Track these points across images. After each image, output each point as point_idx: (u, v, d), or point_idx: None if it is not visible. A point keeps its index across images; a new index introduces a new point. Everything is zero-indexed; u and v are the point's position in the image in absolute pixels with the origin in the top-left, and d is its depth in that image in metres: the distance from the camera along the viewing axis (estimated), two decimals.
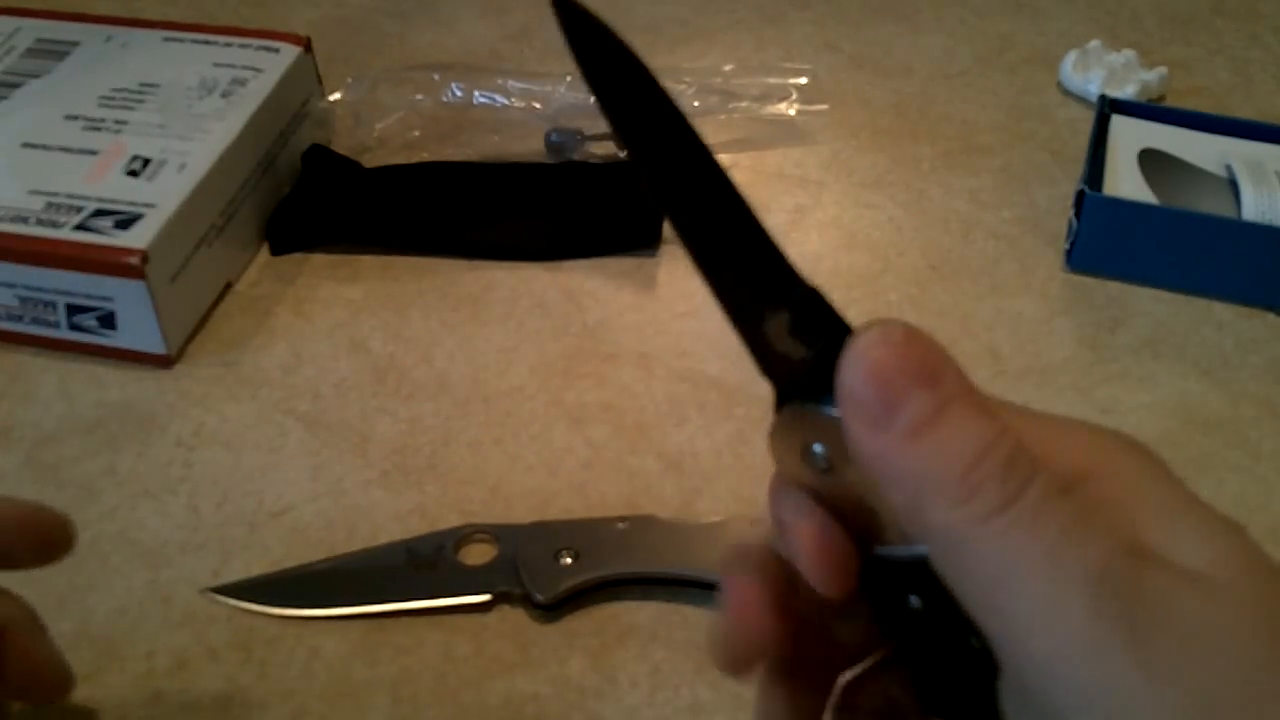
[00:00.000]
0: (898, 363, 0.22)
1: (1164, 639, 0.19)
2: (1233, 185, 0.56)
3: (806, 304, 0.24)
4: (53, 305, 0.50)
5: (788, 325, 0.24)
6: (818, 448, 0.24)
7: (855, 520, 0.24)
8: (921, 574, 0.23)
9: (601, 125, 0.60)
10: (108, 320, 0.49)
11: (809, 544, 0.24)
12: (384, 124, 0.61)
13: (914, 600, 0.24)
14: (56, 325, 0.50)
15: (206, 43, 0.59)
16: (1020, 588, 0.20)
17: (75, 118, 0.54)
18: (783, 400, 0.24)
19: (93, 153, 0.52)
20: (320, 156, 0.59)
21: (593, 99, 0.24)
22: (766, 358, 0.24)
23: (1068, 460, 0.22)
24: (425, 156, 0.61)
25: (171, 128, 0.54)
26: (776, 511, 0.25)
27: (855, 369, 0.22)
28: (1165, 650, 0.19)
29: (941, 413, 0.22)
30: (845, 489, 0.24)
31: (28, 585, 0.36)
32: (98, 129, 0.54)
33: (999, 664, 0.22)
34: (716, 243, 0.24)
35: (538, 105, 0.60)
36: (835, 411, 0.23)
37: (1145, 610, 0.20)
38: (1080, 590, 0.20)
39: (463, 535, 0.44)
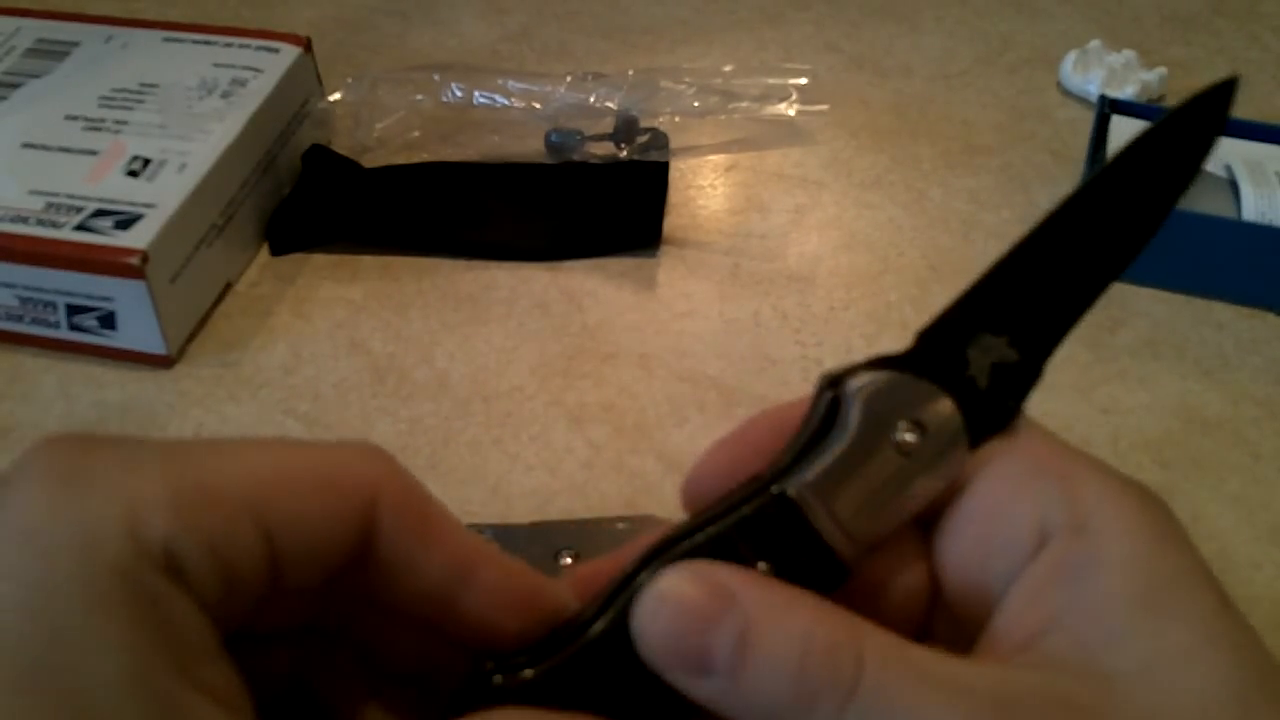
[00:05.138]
0: (687, 613, 0.21)
1: None
2: (1233, 185, 0.56)
3: (1031, 366, 0.24)
4: (53, 305, 0.50)
5: (998, 357, 0.24)
6: (911, 436, 0.24)
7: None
8: None
9: (601, 125, 0.60)
10: (108, 320, 0.49)
11: None
12: (384, 124, 0.61)
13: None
14: (56, 325, 0.50)
15: (206, 43, 0.59)
16: None
17: (75, 118, 0.54)
18: (914, 369, 0.24)
19: (93, 153, 0.52)
20: (320, 156, 0.59)
21: None
22: (950, 347, 0.24)
23: (1070, 503, 0.22)
24: (425, 156, 0.61)
25: (171, 128, 0.54)
26: None
27: (654, 636, 0.22)
28: None
29: (749, 634, 0.21)
30: (906, 477, 0.23)
31: None
32: (98, 129, 0.54)
33: None
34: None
35: (538, 105, 0.60)
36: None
37: None
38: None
39: None
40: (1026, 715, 0.20)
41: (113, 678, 0.18)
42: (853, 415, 0.23)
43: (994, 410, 0.24)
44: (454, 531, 0.23)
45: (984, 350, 0.24)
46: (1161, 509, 0.22)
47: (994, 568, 0.23)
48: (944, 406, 0.24)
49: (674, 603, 0.22)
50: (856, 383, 0.24)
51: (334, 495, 0.22)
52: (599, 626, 0.23)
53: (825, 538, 0.23)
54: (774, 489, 0.23)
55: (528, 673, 0.23)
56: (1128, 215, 0.25)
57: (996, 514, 0.23)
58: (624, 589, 0.23)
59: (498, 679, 0.23)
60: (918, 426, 0.23)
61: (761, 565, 0.23)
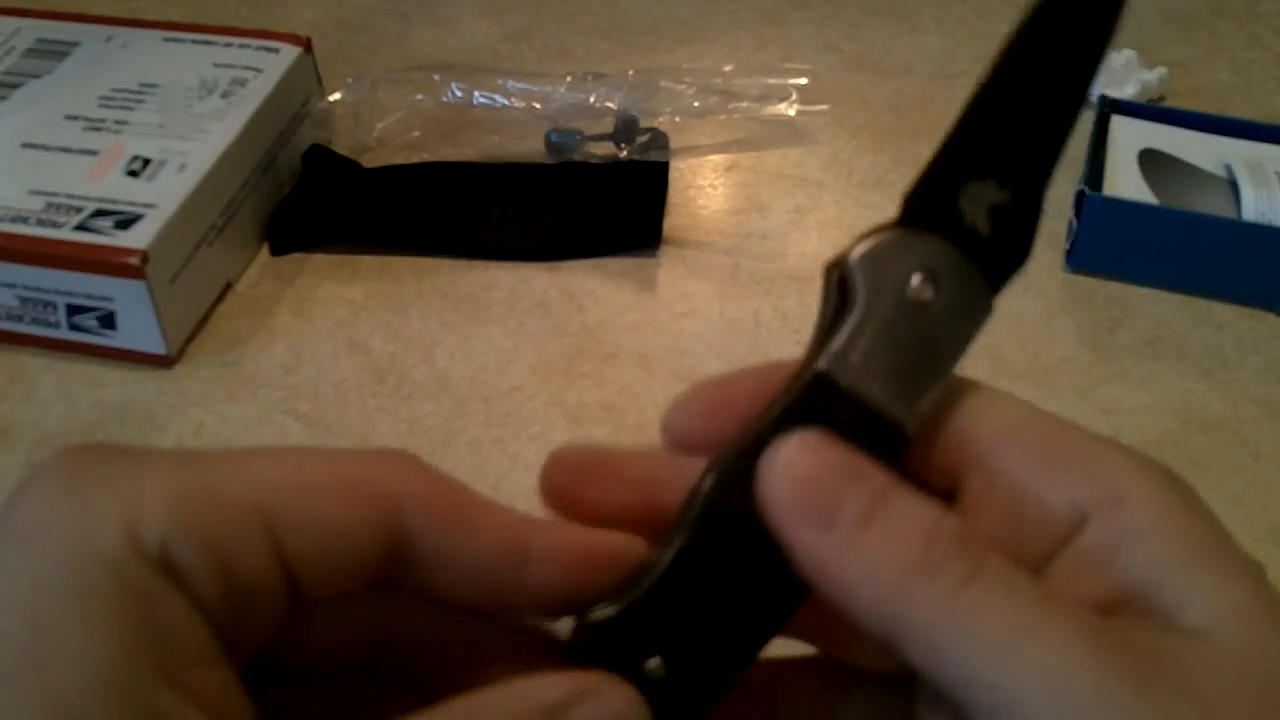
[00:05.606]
0: (824, 465, 0.22)
1: (1166, 690, 0.19)
2: (1233, 185, 0.56)
3: (1028, 201, 0.24)
4: (53, 305, 0.50)
5: (994, 201, 0.24)
6: (930, 287, 0.23)
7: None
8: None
9: (601, 125, 0.60)
10: (108, 320, 0.49)
11: None
12: (384, 124, 0.61)
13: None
14: (56, 325, 0.50)
15: (206, 43, 0.59)
16: (1011, 655, 0.20)
17: (75, 118, 0.54)
18: (923, 225, 0.24)
19: (93, 153, 0.52)
20: (320, 156, 0.59)
21: None
22: (943, 200, 0.24)
23: (1099, 480, 0.22)
24: (425, 156, 0.61)
25: (171, 128, 0.54)
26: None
27: (783, 481, 0.22)
28: (1169, 700, 0.19)
29: (880, 501, 0.21)
30: (933, 319, 0.23)
31: None
32: (98, 129, 0.54)
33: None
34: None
35: (538, 105, 0.60)
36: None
37: (1145, 664, 0.20)
38: (1079, 648, 0.20)
39: None
40: (1129, 653, 0.20)
41: (89, 670, 0.18)
42: (860, 282, 0.23)
43: (1006, 253, 0.24)
44: (496, 513, 0.23)
45: (975, 199, 0.24)
46: (1182, 480, 0.23)
47: (1029, 552, 0.23)
48: (948, 252, 0.23)
49: (812, 453, 0.22)
50: (856, 251, 0.23)
51: (349, 501, 0.21)
52: (681, 540, 0.23)
53: (871, 403, 0.23)
54: (808, 373, 0.23)
55: (608, 610, 0.23)
56: (1075, 36, 0.25)
57: (1023, 499, 0.23)
58: (693, 504, 0.23)
59: (590, 616, 0.23)
60: (929, 277, 0.23)
61: None
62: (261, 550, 0.20)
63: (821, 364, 0.23)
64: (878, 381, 0.23)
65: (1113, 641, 0.20)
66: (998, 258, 0.24)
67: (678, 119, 0.60)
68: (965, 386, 0.24)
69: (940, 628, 0.20)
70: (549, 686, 0.21)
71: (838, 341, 0.23)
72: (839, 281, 0.24)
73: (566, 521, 0.24)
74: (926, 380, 0.23)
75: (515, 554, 0.23)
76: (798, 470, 0.22)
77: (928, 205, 0.24)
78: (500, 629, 0.24)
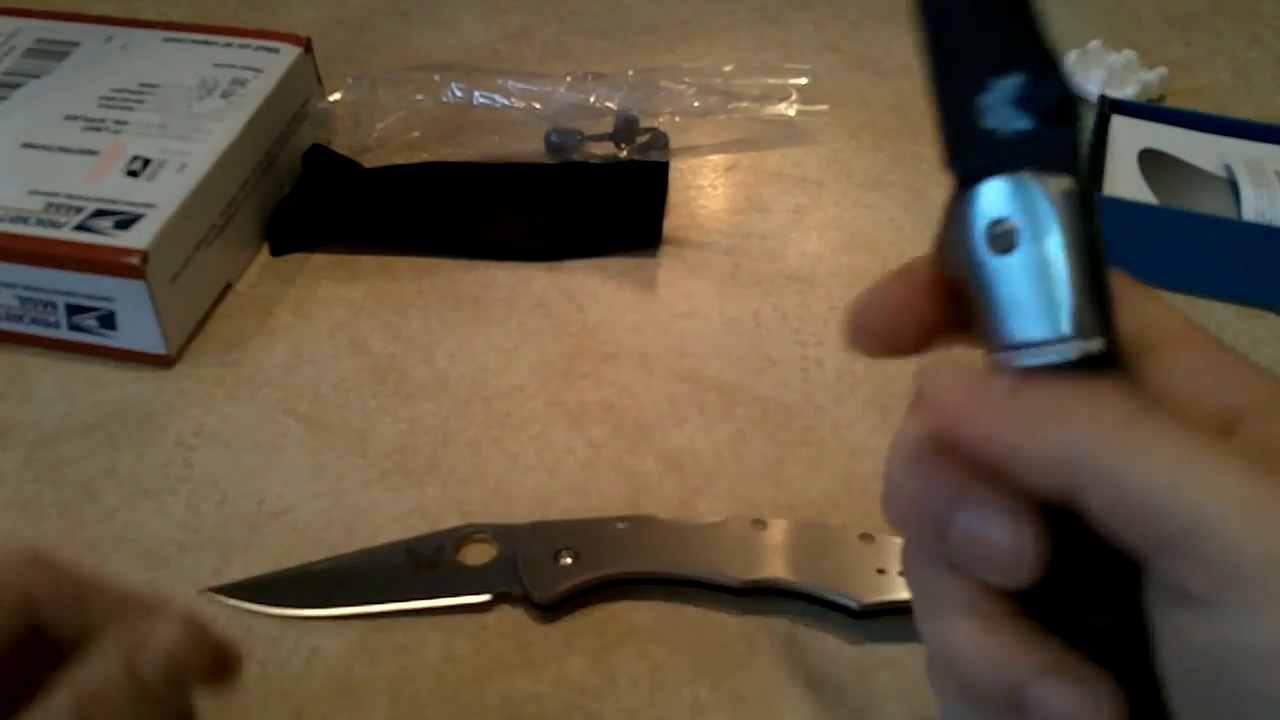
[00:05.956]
0: (964, 370, 0.23)
1: None
2: (1233, 185, 0.56)
3: (1047, 68, 0.24)
4: (53, 305, 0.50)
5: (1016, 92, 0.23)
6: (1018, 223, 0.23)
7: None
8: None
9: (601, 125, 0.60)
10: (108, 320, 0.49)
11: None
12: (384, 124, 0.61)
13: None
14: (56, 325, 0.50)
15: (206, 43, 0.59)
16: (1199, 476, 0.20)
17: (75, 118, 0.54)
18: (976, 175, 0.24)
19: (93, 153, 0.52)
20: (320, 156, 0.59)
21: None
22: (971, 131, 0.24)
23: (1254, 390, 0.23)
24: (425, 156, 0.61)
25: (171, 128, 0.54)
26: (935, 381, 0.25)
27: (934, 377, 0.23)
28: None
29: (1023, 375, 0.23)
30: (1016, 274, 0.23)
31: None
32: (98, 129, 0.54)
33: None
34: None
35: (538, 105, 0.60)
36: (1062, 182, 0.23)
37: None
38: (1255, 471, 0.20)
39: (463, 535, 0.44)
40: None
41: None
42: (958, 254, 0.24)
43: (1056, 125, 0.23)
44: (108, 595, 0.29)
45: (996, 110, 0.24)
46: None
47: None
48: (1006, 186, 0.23)
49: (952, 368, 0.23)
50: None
51: None
52: None
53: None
54: None
55: None
56: None
57: (1179, 398, 0.24)
58: None
59: None
60: (1000, 223, 0.23)
61: None
62: None
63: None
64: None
65: None
66: (1052, 138, 0.23)
67: (678, 119, 0.60)
68: (1128, 287, 0.25)
69: (1121, 457, 0.21)
70: (119, 636, 0.27)
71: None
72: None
73: (150, 598, 0.30)
74: (1082, 293, 0.23)
75: (120, 618, 0.28)
76: (944, 377, 0.23)
77: (966, 154, 0.24)
78: None
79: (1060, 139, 0.23)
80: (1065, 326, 0.23)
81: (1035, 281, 0.23)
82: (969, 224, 0.24)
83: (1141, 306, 0.25)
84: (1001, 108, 0.23)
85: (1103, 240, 0.23)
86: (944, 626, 0.24)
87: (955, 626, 0.24)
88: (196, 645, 0.28)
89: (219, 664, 0.29)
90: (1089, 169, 0.56)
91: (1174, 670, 0.22)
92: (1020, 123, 0.23)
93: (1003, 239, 0.23)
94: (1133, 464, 0.21)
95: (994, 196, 0.23)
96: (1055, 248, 0.23)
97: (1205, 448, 0.21)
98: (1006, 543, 0.23)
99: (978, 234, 0.24)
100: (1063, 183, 0.23)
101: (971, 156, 0.24)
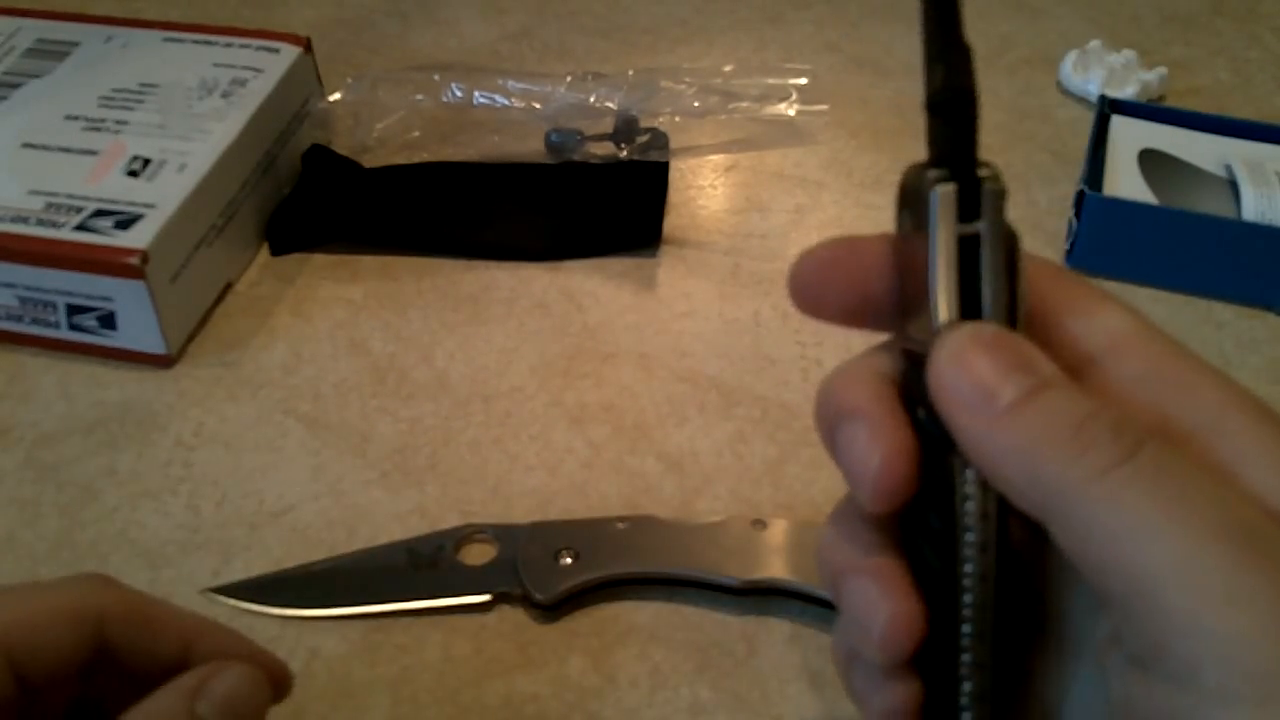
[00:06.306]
0: (992, 357, 0.22)
1: None
2: (1233, 185, 0.56)
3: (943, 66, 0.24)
4: (53, 305, 0.50)
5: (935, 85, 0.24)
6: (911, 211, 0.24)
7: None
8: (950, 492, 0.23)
9: (601, 125, 0.60)
10: (108, 320, 0.49)
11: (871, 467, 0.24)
12: (384, 124, 0.61)
13: (934, 521, 0.24)
14: (56, 325, 0.50)
15: (206, 43, 0.59)
16: (1150, 543, 0.20)
17: (75, 118, 0.54)
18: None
19: (93, 153, 0.52)
20: (320, 156, 0.59)
21: None
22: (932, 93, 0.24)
23: (1204, 404, 0.23)
24: (425, 156, 0.61)
25: (171, 128, 0.54)
26: (840, 400, 0.25)
27: (949, 367, 0.23)
28: None
29: (1040, 389, 0.22)
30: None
31: None
32: (98, 129, 0.54)
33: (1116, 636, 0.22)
34: None
35: (538, 105, 0.60)
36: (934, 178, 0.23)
37: None
38: (1222, 543, 0.20)
39: (463, 535, 0.44)
40: (1272, 559, 0.20)
41: None
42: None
43: (949, 102, 0.24)
44: (175, 618, 0.31)
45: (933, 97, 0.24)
46: (1275, 412, 0.23)
47: None
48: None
49: (981, 341, 0.23)
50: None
51: (64, 624, 0.29)
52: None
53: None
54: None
55: None
56: None
57: (1129, 410, 0.23)
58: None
59: None
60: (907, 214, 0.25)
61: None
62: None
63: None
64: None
65: (1262, 540, 0.20)
66: (944, 131, 0.24)
67: (678, 119, 0.60)
68: (1077, 289, 0.25)
69: (1083, 506, 0.21)
70: (186, 678, 0.29)
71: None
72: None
73: (226, 628, 0.32)
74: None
75: (184, 646, 0.31)
76: (967, 356, 0.23)
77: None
78: None
79: (950, 133, 0.24)
80: (938, 320, 0.23)
81: (926, 272, 0.24)
82: (899, 205, 0.25)
83: (1090, 310, 0.25)
84: (934, 94, 0.24)
85: (998, 237, 0.23)
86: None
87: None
88: (255, 687, 0.30)
89: (276, 693, 0.31)
90: (1089, 175, 0.56)
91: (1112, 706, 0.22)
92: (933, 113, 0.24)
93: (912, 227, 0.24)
94: (1094, 518, 0.21)
95: (906, 181, 0.25)
96: (931, 242, 0.23)
97: (1169, 519, 0.20)
98: (868, 466, 0.24)
99: (903, 218, 0.25)
100: (942, 179, 0.23)
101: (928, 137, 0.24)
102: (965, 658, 0.24)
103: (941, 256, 0.23)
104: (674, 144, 0.61)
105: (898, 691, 0.25)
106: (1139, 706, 0.21)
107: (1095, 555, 0.21)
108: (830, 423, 0.25)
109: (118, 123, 0.54)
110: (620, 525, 0.43)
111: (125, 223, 0.49)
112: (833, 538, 0.26)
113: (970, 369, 0.22)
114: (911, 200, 0.24)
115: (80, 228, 0.49)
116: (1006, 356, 0.22)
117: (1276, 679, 0.19)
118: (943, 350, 0.23)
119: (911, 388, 0.24)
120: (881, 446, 0.24)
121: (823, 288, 0.26)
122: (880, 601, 0.24)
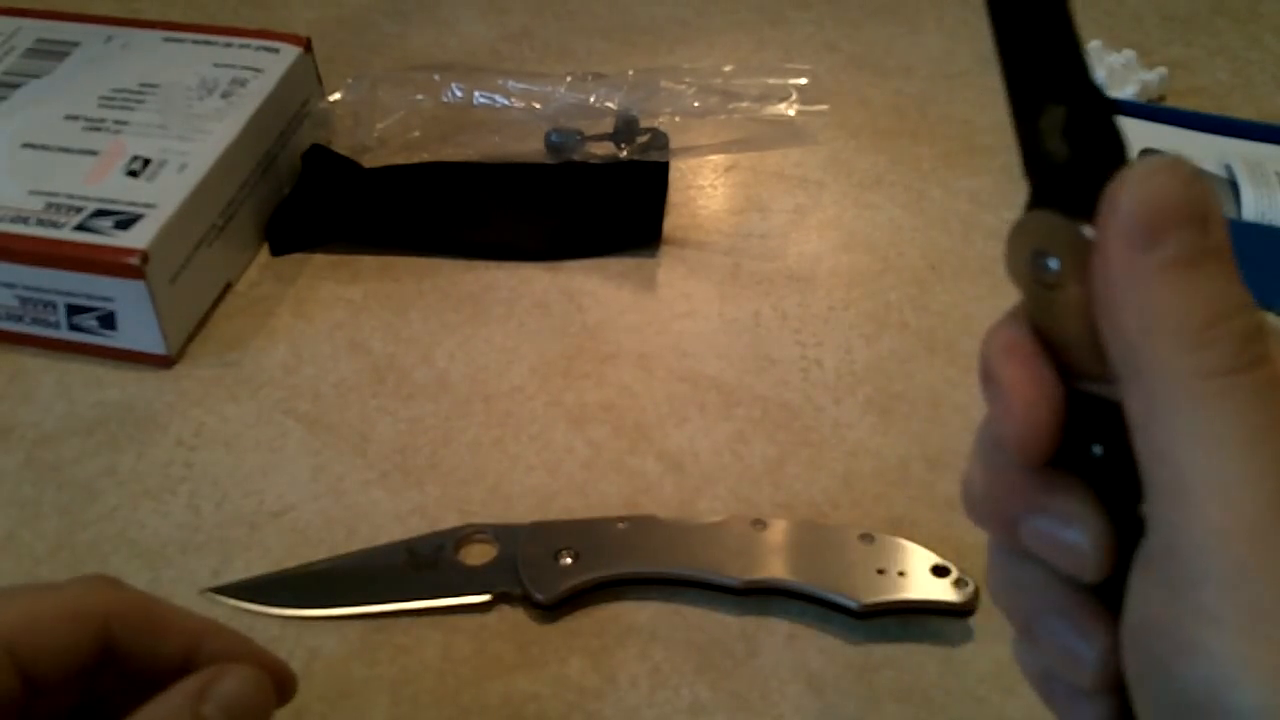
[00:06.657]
0: (1177, 196, 0.21)
1: None
2: (1233, 185, 0.56)
3: (1086, 106, 0.22)
4: (53, 305, 0.50)
5: (1061, 123, 0.22)
6: (1052, 262, 0.23)
7: (1055, 354, 0.24)
8: (1112, 420, 0.22)
9: (601, 125, 0.60)
10: (108, 320, 0.49)
11: (1017, 387, 0.23)
12: (384, 124, 0.61)
13: (1096, 449, 0.23)
14: (56, 325, 0.50)
15: (206, 43, 0.59)
16: (1213, 454, 0.20)
17: (75, 118, 0.54)
18: (1036, 202, 0.23)
19: (93, 153, 0.52)
20: (320, 156, 0.59)
21: None
22: (1033, 153, 0.23)
23: None
24: (425, 156, 0.61)
25: (171, 128, 0.54)
26: (986, 352, 0.24)
27: (1133, 188, 0.21)
28: None
29: (1202, 258, 0.21)
30: (1061, 311, 0.23)
31: None
32: (98, 129, 0.54)
33: (1145, 529, 0.22)
34: (1019, 22, 0.23)
35: (538, 105, 0.60)
36: (1086, 230, 0.22)
37: None
38: (1273, 476, 0.20)
39: (463, 535, 0.44)
40: None
41: None
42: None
43: (1091, 163, 0.22)
44: (180, 620, 0.31)
45: (1050, 134, 0.23)
46: None
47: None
48: (1048, 222, 0.23)
49: (1172, 175, 0.21)
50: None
51: (69, 624, 0.29)
52: None
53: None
54: None
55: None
56: None
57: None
58: None
59: None
60: (1040, 259, 0.23)
61: None
62: (6, 674, 0.28)
63: None
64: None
65: None
66: (1084, 173, 0.22)
67: (678, 119, 0.60)
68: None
69: (1177, 393, 0.21)
70: (191, 680, 0.29)
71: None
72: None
73: (229, 629, 0.32)
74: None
75: (189, 648, 0.31)
76: (1149, 187, 0.21)
77: (1029, 174, 0.23)
78: None
79: (1095, 175, 0.22)
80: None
81: (1072, 321, 0.23)
82: (1015, 249, 0.23)
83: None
84: (1054, 136, 0.23)
85: None
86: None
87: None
88: (260, 689, 0.30)
89: (281, 696, 0.31)
90: None
91: (1127, 621, 0.22)
92: (1064, 152, 0.22)
93: (1045, 274, 0.23)
94: (1180, 408, 0.21)
95: (1034, 227, 0.23)
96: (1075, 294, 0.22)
97: (1233, 439, 0.20)
98: (1080, 545, 0.23)
99: (1024, 262, 0.23)
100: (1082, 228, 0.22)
101: (1032, 178, 0.23)
102: None
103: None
104: (674, 144, 0.61)
105: (1099, 707, 0.25)
106: (1134, 609, 0.21)
107: (1162, 439, 0.21)
108: (989, 363, 0.24)
109: (118, 123, 0.54)
110: (620, 525, 0.43)
111: (125, 223, 0.49)
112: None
113: (1149, 201, 0.21)
114: (1051, 248, 0.23)
115: (80, 228, 0.49)
116: (1193, 197, 0.21)
117: (1272, 621, 0.19)
118: (1136, 168, 0.21)
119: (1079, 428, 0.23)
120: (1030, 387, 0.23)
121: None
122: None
